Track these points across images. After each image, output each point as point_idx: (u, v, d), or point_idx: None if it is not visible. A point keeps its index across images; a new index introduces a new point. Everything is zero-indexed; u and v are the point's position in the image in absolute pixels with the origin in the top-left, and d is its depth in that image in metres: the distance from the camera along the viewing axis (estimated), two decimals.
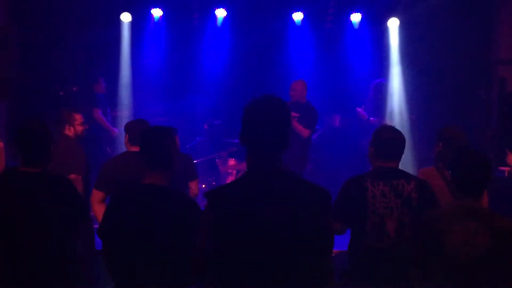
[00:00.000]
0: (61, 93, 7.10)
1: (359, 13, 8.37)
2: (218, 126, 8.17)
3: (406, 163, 6.92)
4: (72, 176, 4.45)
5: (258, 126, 2.20)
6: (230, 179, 7.65)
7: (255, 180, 2.21)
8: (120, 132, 7.66)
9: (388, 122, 7.14)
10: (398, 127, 3.44)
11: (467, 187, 2.88)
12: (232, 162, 7.80)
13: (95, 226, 3.18)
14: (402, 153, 3.36)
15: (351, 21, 8.45)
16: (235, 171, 7.77)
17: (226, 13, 8.40)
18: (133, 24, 8.21)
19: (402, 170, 3.33)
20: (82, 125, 5.04)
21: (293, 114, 6.26)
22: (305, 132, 6.50)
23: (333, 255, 2.33)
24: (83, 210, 3.12)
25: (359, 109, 7.49)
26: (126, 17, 8.14)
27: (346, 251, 3.35)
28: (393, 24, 8.26)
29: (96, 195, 4.04)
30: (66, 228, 2.99)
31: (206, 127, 8.19)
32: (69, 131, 4.94)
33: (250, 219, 2.14)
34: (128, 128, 4.26)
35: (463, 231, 2.75)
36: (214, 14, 8.41)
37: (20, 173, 2.98)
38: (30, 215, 2.90)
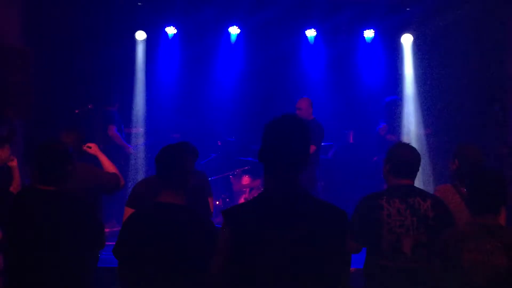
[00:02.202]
0: (76, 111, 7.17)
1: (372, 30, 8.37)
2: (232, 143, 8.19)
3: (422, 178, 6.90)
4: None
5: (277, 145, 2.21)
6: (243, 197, 7.64)
7: (272, 199, 2.21)
8: (134, 149, 7.70)
9: (405, 139, 7.08)
10: (414, 144, 3.41)
11: (484, 204, 2.85)
12: (246, 179, 7.79)
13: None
14: (418, 170, 3.33)
15: (364, 38, 8.46)
16: (248, 189, 7.77)
17: (239, 30, 8.46)
18: (147, 42, 8.31)
19: (417, 188, 3.31)
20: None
21: None
22: (310, 148, 6.50)
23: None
24: (98, 228, 3.15)
25: (382, 125, 7.38)
26: (140, 35, 8.25)
27: (361, 270, 3.32)
28: (407, 40, 8.24)
29: (128, 212, 4.07)
30: (81, 245, 3.04)
31: (219, 143, 8.20)
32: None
33: (267, 238, 2.14)
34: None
35: (479, 249, 2.71)
36: (228, 31, 8.48)
37: (38, 191, 3.08)
38: (47, 231, 2.96)
